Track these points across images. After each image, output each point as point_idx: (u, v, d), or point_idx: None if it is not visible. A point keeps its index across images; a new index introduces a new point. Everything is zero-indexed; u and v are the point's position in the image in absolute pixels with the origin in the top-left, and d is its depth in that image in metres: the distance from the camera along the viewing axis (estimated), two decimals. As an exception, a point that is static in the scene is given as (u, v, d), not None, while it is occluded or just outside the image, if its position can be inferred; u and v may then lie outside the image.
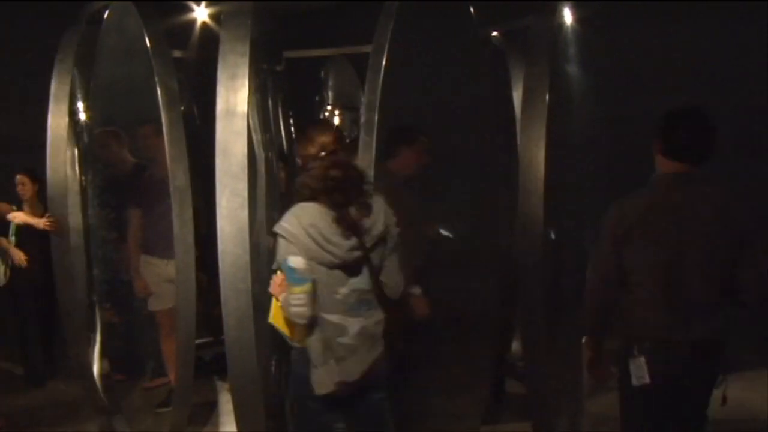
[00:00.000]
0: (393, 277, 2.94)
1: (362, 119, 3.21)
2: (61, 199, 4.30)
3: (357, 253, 2.80)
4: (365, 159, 3.31)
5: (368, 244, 2.81)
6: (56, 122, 4.28)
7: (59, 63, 4.32)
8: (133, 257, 4.82)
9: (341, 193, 2.79)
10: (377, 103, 3.14)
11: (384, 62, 3.17)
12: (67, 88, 4.30)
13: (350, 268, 2.82)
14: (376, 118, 3.16)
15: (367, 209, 2.83)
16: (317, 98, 7.41)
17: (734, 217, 2.84)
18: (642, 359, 2.88)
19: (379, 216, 2.86)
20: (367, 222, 2.81)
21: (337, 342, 2.80)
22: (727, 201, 2.86)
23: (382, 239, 2.87)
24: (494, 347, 4.55)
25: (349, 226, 2.76)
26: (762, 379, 5.29)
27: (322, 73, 7.33)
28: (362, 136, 3.25)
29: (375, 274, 2.85)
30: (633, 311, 2.95)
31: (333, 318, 2.80)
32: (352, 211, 2.80)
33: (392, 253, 2.93)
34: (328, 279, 2.80)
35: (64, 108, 4.30)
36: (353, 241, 2.78)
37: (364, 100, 3.17)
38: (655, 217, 2.88)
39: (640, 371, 2.89)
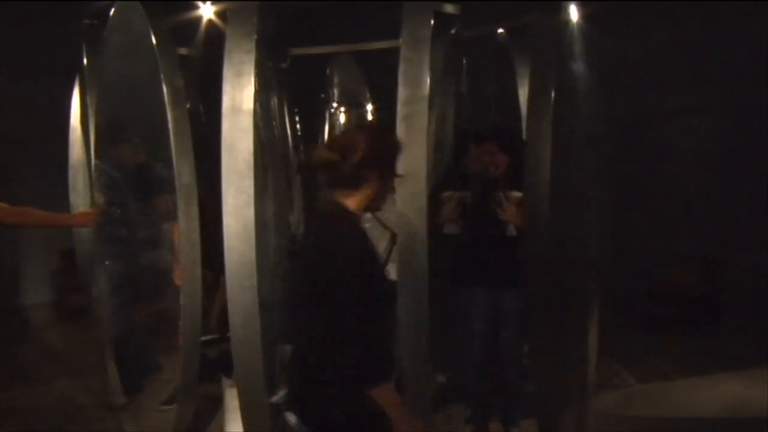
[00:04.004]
0: None
1: (400, 113, 3.13)
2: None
3: None
4: (414, 154, 3.18)
5: None
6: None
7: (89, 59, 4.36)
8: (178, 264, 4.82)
9: None
10: (426, 95, 3.11)
11: (428, 58, 3.13)
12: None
13: None
14: (426, 111, 3.13)
15: None
16: (322, 96, 7.41)
17: None
18: None
19: None
20: None
21: None
22: None
23: None
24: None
25: None
26: (764, 377, 5.27)
27: (328, 71, 7.33)
28: (404, 130, 3.16)
29: None
30: None
31: None
32: None
33: None
34: None
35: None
36: None
37: (401, 94, 3.11)
38: None
39: None
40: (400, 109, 3.11)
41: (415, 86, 3.10)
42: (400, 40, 3.13)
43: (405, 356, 3.23)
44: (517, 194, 4.10)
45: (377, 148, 2.45)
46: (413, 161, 3.09)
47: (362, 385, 2.35)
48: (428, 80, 3.10)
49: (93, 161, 4.57)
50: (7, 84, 8.29)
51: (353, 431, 2.47)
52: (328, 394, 2.44)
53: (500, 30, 5.01)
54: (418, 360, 3.24)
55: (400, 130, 3.09)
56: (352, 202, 2.46)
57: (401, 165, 3.03)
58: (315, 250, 2.49)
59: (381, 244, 4.41)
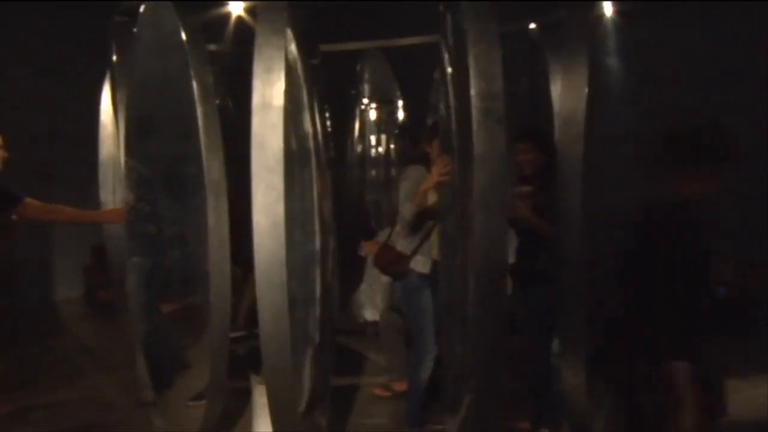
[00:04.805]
0: None
1: (481, 108, 3.09)
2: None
3: None
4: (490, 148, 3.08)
5: None
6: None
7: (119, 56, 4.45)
8: None
9: None
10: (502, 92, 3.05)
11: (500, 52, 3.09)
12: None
13: None
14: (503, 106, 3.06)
15: None
16: (353, 92, 7.38)
17: None
18: None
19: None
20: None
21: None
22: None
23: None
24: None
25: None
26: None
27: (358, 67, 7.30)
28: (484, 125, 3.13)
29: None
30: None
31: None
32: None
33: None
34: None
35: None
36: None
37: (475, 90, 3.08)
38: None
39: None
40: (476, 104, 3.03)
41: (490, 81, 3.04)
42: (468, 35, 3.06)
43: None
44: (526, 189, 4.11)
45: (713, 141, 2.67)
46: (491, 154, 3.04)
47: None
48: (501, 75, 3.03)
49: (123, 158, 4.59)
50: (39, 82, 8.38)
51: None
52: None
53: (532, 26, 4.96)
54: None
55: (476, 126, 3.02)
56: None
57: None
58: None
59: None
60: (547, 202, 3.88)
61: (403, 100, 7.62)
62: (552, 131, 4.25)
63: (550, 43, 4.80)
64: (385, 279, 4.80)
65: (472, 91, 3.01)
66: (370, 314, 5.02)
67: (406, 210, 4.26)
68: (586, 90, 3.56)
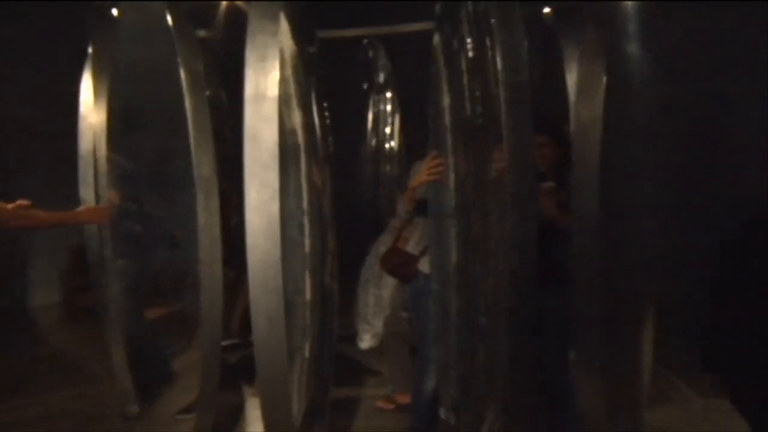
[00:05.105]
0: None
1: (510, 101, 2.98)
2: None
3: None
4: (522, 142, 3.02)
5: None
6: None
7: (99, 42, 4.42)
8: None
9: None
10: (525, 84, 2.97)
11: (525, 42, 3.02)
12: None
13: None
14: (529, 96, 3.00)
15: None
16: (366, 83, 7.30)
17: None
18: None
19: None
20: None
21: None
22: None
23: None
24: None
25: None
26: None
27: (370, 53, 7.23)
28: (514, 119, 2.99)
29: None
30: None
31: None
32: None
33: None
34: None
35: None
36: None
37: (503, 81, 2.96)
38: None
39: None
40: (504, 95, 2.95)
41: (516, 72, 2.96)
42: (492, 25, 2.99)
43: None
44: (549, 185, 3.99)
45: None
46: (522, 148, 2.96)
47: None
48: (527, 65, 2.98)
49: (105, 153, 4.48)
50: (14, 72, 8.25)
51: None
52: None
53: (546, 10, 4.85)
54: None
55: (504, 117, 2.93)
56: None
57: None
58: None
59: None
60: (568, 199, 3.76)
61: (404, 92, 7.57)
62: (567, 123, 4.14)
63: (565, 28, 4.68)
64: (390, 284, 4.63)
65: (501, 83, 2.92)
66: (367, 342, 4.90)
67: (401, 208, 4.14)
68: (605, 79, 3.46)
